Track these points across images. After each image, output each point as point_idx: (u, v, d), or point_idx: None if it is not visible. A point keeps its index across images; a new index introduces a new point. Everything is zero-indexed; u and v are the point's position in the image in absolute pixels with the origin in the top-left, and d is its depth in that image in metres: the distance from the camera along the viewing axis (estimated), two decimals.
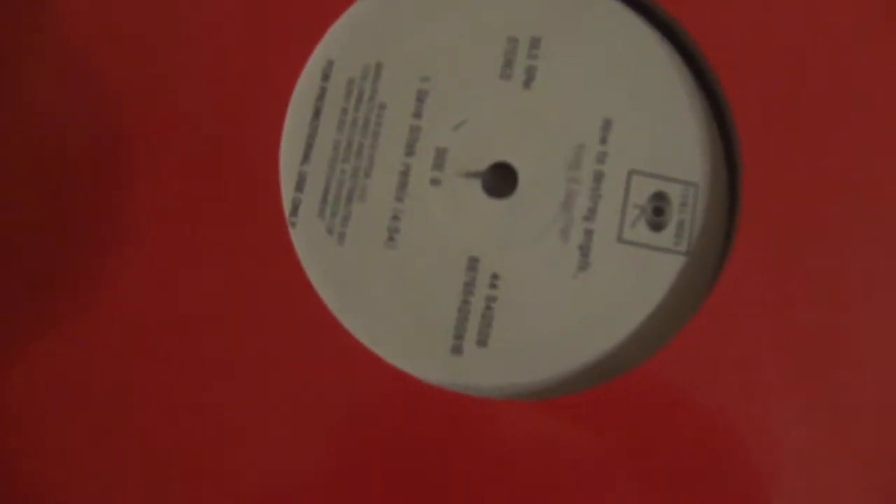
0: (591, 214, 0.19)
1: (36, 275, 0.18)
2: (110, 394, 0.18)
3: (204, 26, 0.19)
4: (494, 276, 0.19)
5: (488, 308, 0.19)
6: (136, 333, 0.18)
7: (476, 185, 0.19)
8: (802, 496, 0.18)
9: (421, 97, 0.19)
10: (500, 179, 0.19)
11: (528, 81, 0.19)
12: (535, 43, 0.19)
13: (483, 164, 0.19)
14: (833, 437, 0.18)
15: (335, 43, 0.19)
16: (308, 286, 0.18)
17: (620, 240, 0.19)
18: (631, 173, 0.19)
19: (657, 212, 0.19)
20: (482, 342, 0.19)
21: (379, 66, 0.19)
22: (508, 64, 0.19)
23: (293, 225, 0.19)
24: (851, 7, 0.20)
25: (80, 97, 0.19)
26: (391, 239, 0.19)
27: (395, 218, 0.19)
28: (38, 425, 0.18)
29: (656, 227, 0.19)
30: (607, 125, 0.19)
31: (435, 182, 0.19)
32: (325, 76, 0.19)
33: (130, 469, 0.18)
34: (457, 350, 0.19)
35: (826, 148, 0.19)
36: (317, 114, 0.19)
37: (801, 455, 0.18)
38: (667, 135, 0.19)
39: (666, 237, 0.19)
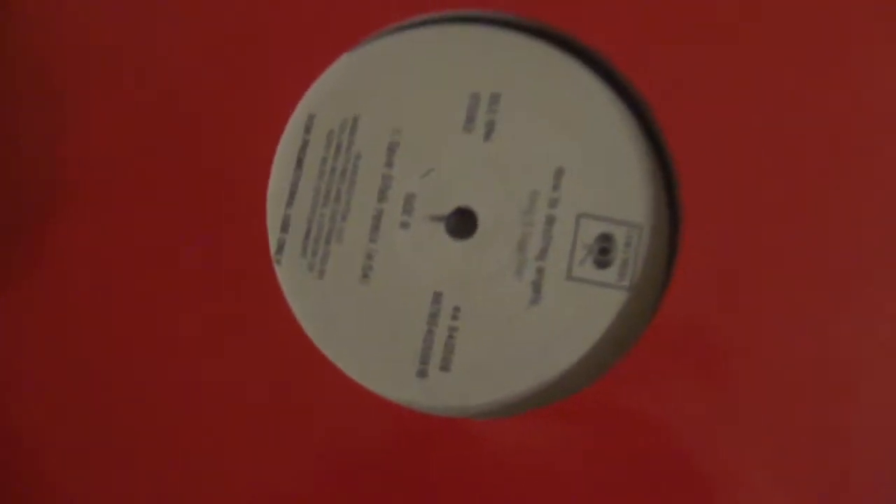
0: (542, 254, 0.21)
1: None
2: (97, 430, 0.20)
3: (201, 82, 0.21)
4: (456, 309, 0.21)
5: (451, 337, 0.21)
6: (129, 357, 0.21)
7: (440, 228, 0.21)
8: None
9: (392, 148, 0.21)
10: (462, 222, 0.22)
11: (488, 134, 0.22)
12: (494, 99, 0.22)
13: (447, 209, 0.21)
14: (764, 452, 0.21)
15: (316, 99, 0.22)
16: (291, 317, 0.21)
17: (569, 277, 0.21)
18: (580, 216, 0.21)
19: (603, 251, 0.21)
20: (445, 367, 0.21)
21: (355, 120, 0.22)
22: (471, 118, 0.22)
23: (278, 262, 0.21)
24: (784, 63, 0.22)
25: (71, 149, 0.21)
26: (365, 276, 0.21)
27: (369, 257, 0.21)
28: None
29: (602, 265, 0.21)
30: (559, 173, 0.21)
31: (404, 225, 0.21)
32: (307, 129, 0.22)
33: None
34: (422, 374, 0.21)
35: (760, 193, 0.21)
36: (300, 163, 0.21)
37: (736, 473, 0.20)
38: (613, 181, 0.21)
39: (611, 274, 0.21)
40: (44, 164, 0.21)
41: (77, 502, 0.21)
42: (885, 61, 0.21)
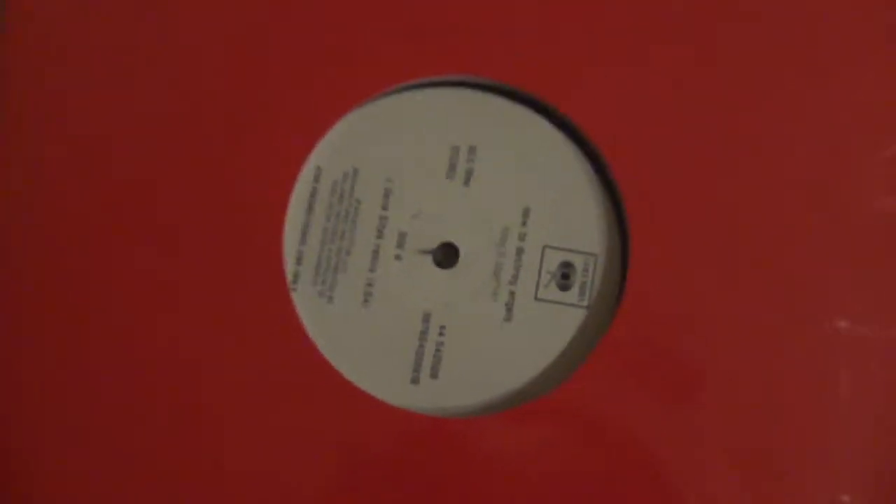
0: (514, 280, 0.26)
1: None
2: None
3: (227, 141, 0.26)
4: (442, 327, 0.25)
5: (438, 350, 0.25)
6: (164, 364, 0.25)
7: (428, 260, 0.26)
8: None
9: (387, 194, 0.26)
10: (446, 255, 0.26)
11: (467, 180, 0.26)
12: (472, 150, 0.26)
13: (433, 244, 0.26)
14: (713, 442, 0.25)
15: (322, 154, 0.26)
16: (305, 335, 0.25)
17: (536, 298, 0.25)
18: (545, 248, 0.26)
19: (565, 276, 0.26)
20: (434, 375, 0.25)
21: (355, 171, 0.26)
22: (452, 167, 0.26)
23: (294, 290, 0.25)
24: (715, 106, 0.26)
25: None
26: (366, 300, 0.25)
27: (369, 284, 0.26)
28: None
29: (564, 287, 0.26)
30: (527, 212, 0.26)
31: (398, 257, 0.26)
32: (316, 179, 0.26)
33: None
34: (415, 381, 0.25)
35: (697, 224, 0.25)
36: (310, 207, 0.26)
37: (689, 462, 0.25)
38: (572, 217, 0.26)
39: (571, 295, 0.26)
40: (73, 200, 0.25)
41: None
42: (815, 104, 0.26)
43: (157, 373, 0.25)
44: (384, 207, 0.26)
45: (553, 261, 0.26)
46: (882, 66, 0.26)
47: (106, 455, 0.25)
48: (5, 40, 0.26)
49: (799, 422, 0.25)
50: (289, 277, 0.25)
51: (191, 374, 0.25)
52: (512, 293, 0.25)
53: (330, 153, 0.26)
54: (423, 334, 0.25)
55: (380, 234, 0.26)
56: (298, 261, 0.26)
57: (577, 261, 0.26)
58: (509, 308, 0.25)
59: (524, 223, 0.26)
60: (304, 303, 0.25)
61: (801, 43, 0.26)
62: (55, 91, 0.26)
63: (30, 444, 0.25)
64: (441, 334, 0.25)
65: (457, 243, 0.26)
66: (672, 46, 0.26)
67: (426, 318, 0.25)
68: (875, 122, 0.26)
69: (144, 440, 0.25)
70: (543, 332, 0.25)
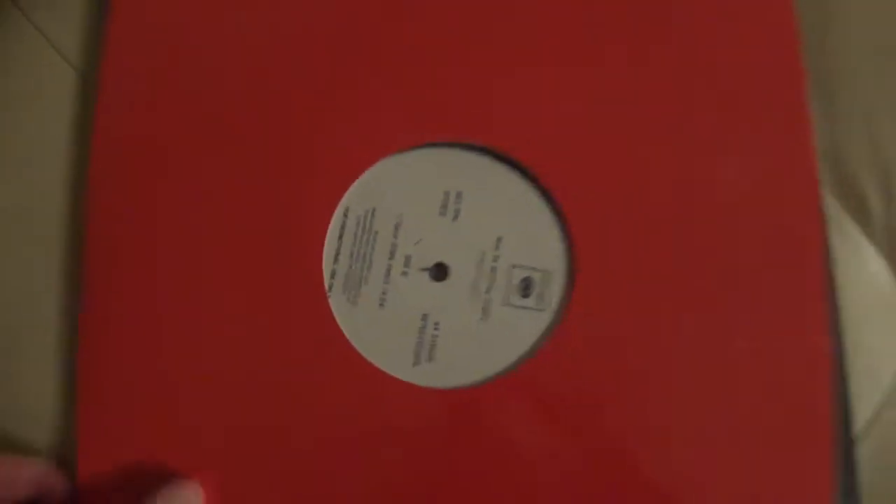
0: (489, 290, 0.35)
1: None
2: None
3: (279, 193, 0.35)
4: (437, 324, 0.35)
5: (433, 341, 0.35)
6: (234, 345, 0.35)
7: (426, 275, 0.35)
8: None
9: (397, 227, 0.35)
10: (440, 272, 0.35)
11: (455, 217, 0.35)
12: (459, 195, 0.35)
13: (430, 263, 0.35)
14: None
15: (350, 198, 0.36)
16: (337, 328, 0.35)
17: (506, 304, 0.35)
18: (512, 266, 0.35)
19: (526, 287, 0.35)
20: (430, 359, 0.35)
21: (374, 210, 0.35)
22: (444, 207, 0.35)
23: (329, 296, 0.35)
24: (647, 155, 0.35)
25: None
26: (381, 304, 0.35)
27: (384, 293, 0.35)
28: None
29: (526, 296, 0.35)
30: (499, 240, 0.35)
31: (404, 273, 0.35)
32: (345, 215, 0.35)
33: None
34: (416, 363, 0.35)
35: (631, 249, 0.34)
36: (340, 236, 0.35)
37: (614, 422, 0.34)
38: (533, 243, 0.35)
39: (532, 301, 0.35)
40: (173, 230, 0.35)
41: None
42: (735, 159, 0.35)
43: (232, 349, 0.35)
44: (395, 237, 0.35)
45: (518, 276, 0.35)
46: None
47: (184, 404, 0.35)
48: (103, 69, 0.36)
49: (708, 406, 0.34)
50: (326, 286, 0.35)
51: (256, 353, 0.35)
52: (487, 300, 0.35)
53: (356, 197, 0.36)
54: (422, 329, 0.35)
55: (391, 256, 0.35)
56: (332, 275, 0.35)
57: (536, 276, 0.35)
58: (485, 311, 0.35)
59: (497, 248, 0.35)
60: (337, 305, 0.35)
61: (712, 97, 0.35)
62: (144, 136, 0.36)
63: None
64: (435, 329, 0.35)
65: (447, 263, 0.35)
66: (611, 121, 0.35)
67: (424, 317, 0.35)
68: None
69: (223, 393, 0.35)
70: (510, 329, 0.35)
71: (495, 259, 0.35)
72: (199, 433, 0.34)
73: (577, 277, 0.34)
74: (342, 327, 0.35)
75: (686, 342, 0.34)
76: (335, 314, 0.35)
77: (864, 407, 0.36)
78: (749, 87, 0.35)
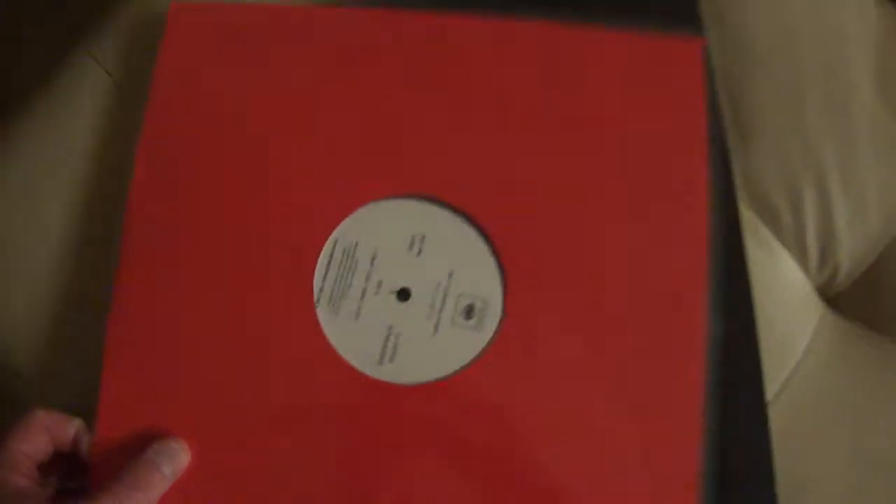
0: (440, 311, 0.45)
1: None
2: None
3: (281, 230, 0.46)
4: (398, 335, 0.45)
5: (395, 348, 0.45)
6: (240, 340, 0.45)
7: (394, 296, 0.45)
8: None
9: (373, 259, 0.46)
10: (404, 294, 0.46)
11: (419, 253, 0.46)
12: (423, 237, 0.46)
13: (397, 287, 0.46)
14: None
15: (339, 233, 0.46)
16: (321, 333, 0.45)
17: (453, 324, 0.45)
18: (459, 295, 0.45)
19: (469, 311, 0.45)
20: (392, 361, 0.45)
21: (356, 244, 0.46)
22: (411, 245, 0.46)
23: (317, 306, 0.45)
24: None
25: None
26: (357, 316, 0.45)
27: (359, 308, 0.45)
28: None
29: (469, 318, 0.45)
30: (451, 273, 0.46)
31: (376, 293, 0.45)
32: (335, 245, 0.46)
33: None
34: (381, 363, 0.45)
35: (554, 285, 0.45)
36: (329, 262, 0.46)
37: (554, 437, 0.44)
38: (476, 276, 0.45)
39: (474, 323, 0.45)
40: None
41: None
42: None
43: (236, 346, 0.45)
44: (371, 265, 0.46)
45: (463, 302, 0.45)
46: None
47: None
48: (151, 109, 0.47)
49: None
50: (315, 299, 0.45)
51: (256, 351, 0.45)
52: (438, 319, 0.45)
53: (344, 232, 0.46)
54: (387, 338, 0.45)
55: (367, 280, 0.46)
56: (321, 291, 0.45)
57: (478, 303, 0.45)
58: (436, 327, 0.45)
59: (449, 279, 0.46)
60: (322, 314, 0.45)
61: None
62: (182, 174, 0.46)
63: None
64: (397, 339, 0.45)
65: (410, 288, 0.46)
66: (540, 180, 0.46)
67: (389, 328, 0.45)
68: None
69: (227, 371, 0.44)
70: (454, 344, 0.45)
71: (447, 288, 0.46)
72: (199, 407, 0.44)
73: (507, 304, 0.45)
74: (325, 332, 0.45)
75: (592, 361, 0.45)
76: (320, 321, 0.45)
77: (774, 378, 0.48)
78: (655, 155, 0.46)
